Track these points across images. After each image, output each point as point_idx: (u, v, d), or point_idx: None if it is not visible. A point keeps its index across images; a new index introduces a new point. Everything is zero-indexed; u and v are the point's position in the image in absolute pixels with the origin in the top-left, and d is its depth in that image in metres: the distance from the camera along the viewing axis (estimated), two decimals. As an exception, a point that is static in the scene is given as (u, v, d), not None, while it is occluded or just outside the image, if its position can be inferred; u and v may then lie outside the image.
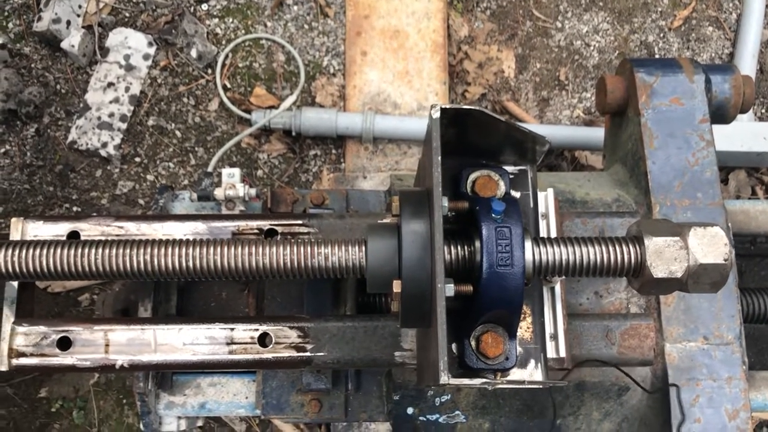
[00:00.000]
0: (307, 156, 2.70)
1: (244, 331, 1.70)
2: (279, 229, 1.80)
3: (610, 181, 2.17)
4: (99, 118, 2.64)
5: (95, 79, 2.70)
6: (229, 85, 2.75)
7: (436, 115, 1.24)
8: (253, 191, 2.06)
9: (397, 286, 1.26)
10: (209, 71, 2.76)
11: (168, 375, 2.01)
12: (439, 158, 1.22)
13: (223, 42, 2.79)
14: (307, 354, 1.69)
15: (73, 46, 2.66)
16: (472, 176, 1.46)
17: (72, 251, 1.53)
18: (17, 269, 1.50)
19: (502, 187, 1.46)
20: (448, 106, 1.27)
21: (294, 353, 1.70)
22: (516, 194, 1.54)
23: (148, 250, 1.43)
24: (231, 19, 2.81)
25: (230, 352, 1.70)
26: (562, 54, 2.90)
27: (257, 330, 1.71)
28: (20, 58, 2.74)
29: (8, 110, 2.64)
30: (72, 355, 1.69)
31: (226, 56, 2.76)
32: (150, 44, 2.74)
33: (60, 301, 2.52)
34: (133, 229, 1.79)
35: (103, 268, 1.52)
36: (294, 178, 2.67)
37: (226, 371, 1.99)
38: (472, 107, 1.26)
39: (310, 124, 2.60)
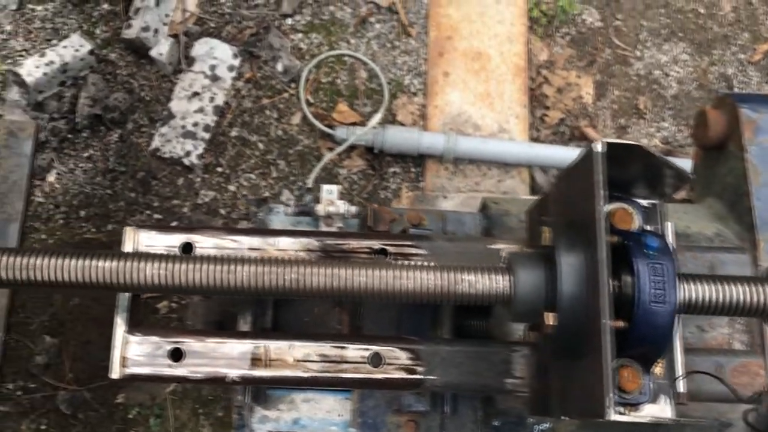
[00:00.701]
0: (386, 173, 2.72)
1: (355, 351, 1.70)
2: (390, 249, 1.80)
3: (707, 214, 2.17)
4: (183, 126, 2.66)
5: (180, 88, 2.72)
6: (311, 100, 2.77)
7: (600, 149, 1.24)
8: (353, 209, 2.07)
9: (551, 319, 1.26)
10: (292, 85, 2.78)
11: (262, 389, 2.01)
12: (603, 192, 1.23)
13: (307, 57, 2.81)
14: (418, 376, 1.69)
15: (161, 54, 2.68)
16: (610, 209, 1.46)
17: (191, 266, 1.54)
18: (133, 281, 1.49)
19: (637, 221, 1.46)
20: (612, 141, 1.27)
21: (405, 375, 1.69)
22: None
23: (289, 269, 1.43)
24: (315, 35, 2.84)
25: (341, 371, 1.70)
26: (641, 83, 2.91)
27: (368, 350, 1.71)
28: (106, 64, 2.77)
29: (93, 115, 2.66)
30: (184, 366, 1.69)
31: (310, 71, 2.78)
32: (235, 56, 2.76)
33: (166, 322, 2.53)
34: (247, 242, 1.81)
35: (230, 285, 1.52)
36: (373, 194, 2.68)
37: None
38: (633, 142, 1.27)
39: (393, 142, 2.61)
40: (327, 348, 1.71)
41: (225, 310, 2.09)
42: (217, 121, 2.71)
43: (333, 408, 2.02)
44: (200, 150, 2.67)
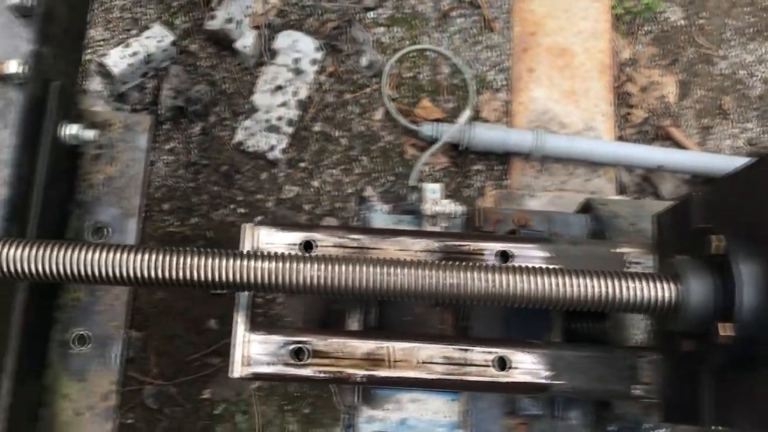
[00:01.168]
0: (469, 171, 2.68)
1: (480, 353, 1.68)
2: (513, 251, 1.77)
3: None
4: (267, 120, 2.63)
5: (263, 81, 2.69)
6: (394, 96, 2.73)
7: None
8: (460, 208, 2.04)
9: (727, 329, 1.23)
10: (374, 80, 2.74)
11: (369, 388, 1.99)
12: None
13: (389, 51, 2.77)
14: (545, 381, 1.67)
15: (245, 46, 2.65)
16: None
17: (314, 266, 1.51)
18: (253, 281, 1.46)
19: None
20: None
21: (531, 379, 1.67)
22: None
23: (449, 273, 1.40)
24: (397, 29, 2.80)
25: (465, 374, 1.68)
26: (725, 83, 2.86)
27: (492, 353, 1.69)
28: (186, 56, 2.74)
29: (176, 107, 2.63)
30: (308, 366, 1.68)
31: (392, 66, 2.74)
32: (317, 49, 2.72)
33: (222, 302, 2.51)
34: (367, 242, 1.79)
35: (360, 286, 1.49)
36: (456, 192, 2.65)
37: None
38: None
39: (480, 139, 2.58)
40: (451, 350, 1.69)
41: (328, 308, 2.07)
42: (300, 116, 2.68)
43: (440, 409, 2.00)
44: (284, 144, 2.64)
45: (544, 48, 2.77)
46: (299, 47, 2.70)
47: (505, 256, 1.77)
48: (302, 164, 2.66)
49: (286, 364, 1.70)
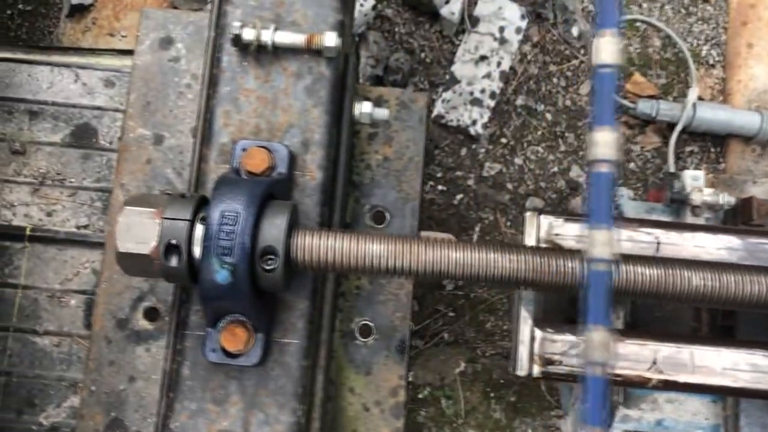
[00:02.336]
0: (682, 152, 2.52)
1: (788, 362, 1.55)
2: (824, 252, 1.62)
3: None
4: (471, 93, 2.49)
5: (463, 50, 2.54)
6: (602, 68, 2.56)
7: None
8: (732, 199, 1.90)
9: None
10: (582, 51, 2.58)
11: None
12: None
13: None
14: None
15: (453, 13, 2.50)
16: None
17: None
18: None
19: None
20: None
21: None
22: None
23: None
24: (604, -4, 2.61)
25: (775, 383, 1.56)
26: None
27: (800, 362, 1.56)
28: (382, 21, 2.60)
29: (375, 76, 2.51)
30: (605, 368, 1.57)
31: (601, 36, 2.56)
32: (522, 17, 2.56)
33: (417, 282, 2.41)
34: (663, 237, 1.66)
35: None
36: (669, 174, 2.49)
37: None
38: None
39: (702, 119, 2.40)
40: (758, 357, 1.57)
41: (573, 308, 1.96)
42: (502, 88, 2.53)
43: (699, 411, 1.88)
44: (485, 119, 2.50)
45: (765, 22, 2.56)
46: (505, 14, 2.54)
47: (811, 257, 1.63)
48: (503, 140, 2.53)
49: (578, 365, 1.61)
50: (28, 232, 1.64)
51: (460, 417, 2.34)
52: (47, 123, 1.68)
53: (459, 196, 2.48)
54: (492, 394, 2.37)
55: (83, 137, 1.68)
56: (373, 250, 1.20)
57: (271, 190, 1.26)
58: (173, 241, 1.17)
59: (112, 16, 2.51)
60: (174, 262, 1.17)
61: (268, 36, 1.38)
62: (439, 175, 2.50)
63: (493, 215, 2.45)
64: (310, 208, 1.39)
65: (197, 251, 1.17)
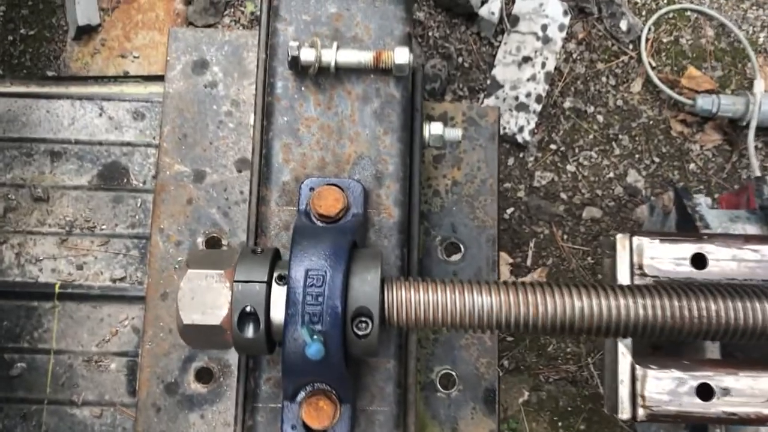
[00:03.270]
0: (746, 149, 2.34)
1: None
2: None
3: None
4: (516, 98, 2.31)
5: (504, 52, 2.36)
6: (653, 64, 2.38)
7: None
8: (831, 205, 1.72)
9: None
10: (630, 47, 2.39)
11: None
12: None
13: (643, 13, 2.41)
14: None
15: (492, 13, 2.31)
16: None
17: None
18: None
19: None
20: None
21: None
22: None
23: None
24: (650, -14, 2.43)
25: None
26: None
27: None
28: (414, 25, 2.41)
29: (410, 85, 2.32)
30: (717, 405, 1.39)
31: (650, 30, 2.38)
32: (565, 13, 2.37)
33: None
34: (772, 254, 1.48)
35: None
36: (732, 175, 2.31)
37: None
38: None
39: (768, 113, 2.23)
40: None
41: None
42: (548, 91, 2.35)
43: (807, 440, 1.72)
44: (532, 125, 2.32)
45: (825, 3, 2.39)
46: (547, 11, 2.35)
47: None
48: (553, 146, 2.34)
49: (691, 404, 1.43)
50: (57, 290, 1.45)
51: (527, 450, 2.16)
52: (71, 164, 1.49)
53: (510, 210, 2.29)
54: (560, 423, 2.18)
55: (112, 178, 1.50)
56: (481, 302, 1.01)
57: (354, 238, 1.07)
58: (248, 308, 0.98)
59: (122, 36, 2.32)
60: (250, 332, 0.99)
61: (330, 56, 1.19)
62: (485, 188, 2.31)
63: (548, 228, 2.26)
64: (389, 251, 1.20)
65: (277, 317, 0.99)
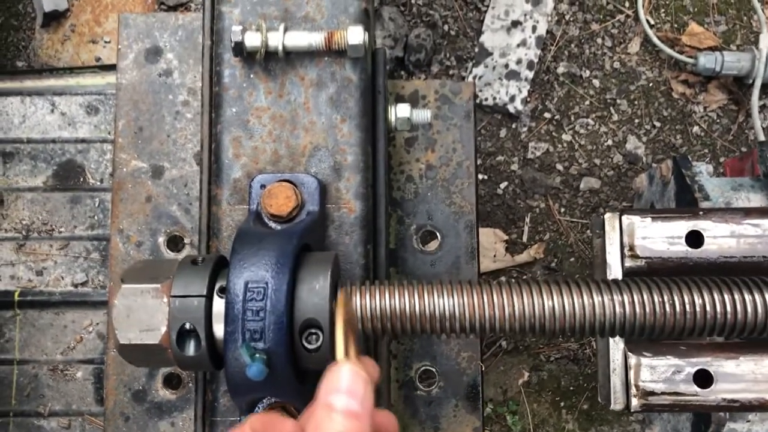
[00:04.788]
0: (749, 108, 2.21)
1: None
2: None
3: None
4: (506, 65, 2.19)
5: (492, 17, 2.23)
6: (652, 21, 2.24)
7: None
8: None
9: None
10: (626, 4, 2.26)
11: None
12: None
13: (640, -34, 2.27)
14: None
15: (477, -23, 2.18)
16: None
17: None
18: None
19: None
20: None
21: None
22: None
23: None
24: (646, -63, 2.28)
25: None
26: None
27: None
28: (396, -6, 2.29)
29: (395, 58, 2.21)
30: (716, 393, 1.31)
31: (647, -15, 2.24)
32: (555, -28, 2.24)
33: None
34: (774, 228, 1.37)
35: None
36: (738, 136, 2.19)
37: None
38: None
39: (776, 69, 2.09)
40: None
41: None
42: (540, 56, 2.22)
43: (818, 419, 1.64)
44: (524, 93, 2.20)
45: (836, -53, 2.22)
46: (535, -29, 2.22)
47: None
48: (546, 115, 2.23)
49: (689, 392, 1.34)
50: (17, 297, 1.39)
51: (529, 432, 2.09)
52: (25, 165, 1.41)
53: (503, 185, 2.19)
54: (562, 404, 2.11)
55: (68, 177, 1.42)
56: (447, 305, 0.93)
57: (305, 239, 0.99)
58: (187, 326, 0.90)
59: (92, 20, 2.22)
60: (191, 350, 0.91)
61: (277, 39, 1.10)
62: (478, 162, 2.21)
63: (544, 202, 2.16)
64: (351, 248, 1.12)
65: (219, 333, 0.91)
